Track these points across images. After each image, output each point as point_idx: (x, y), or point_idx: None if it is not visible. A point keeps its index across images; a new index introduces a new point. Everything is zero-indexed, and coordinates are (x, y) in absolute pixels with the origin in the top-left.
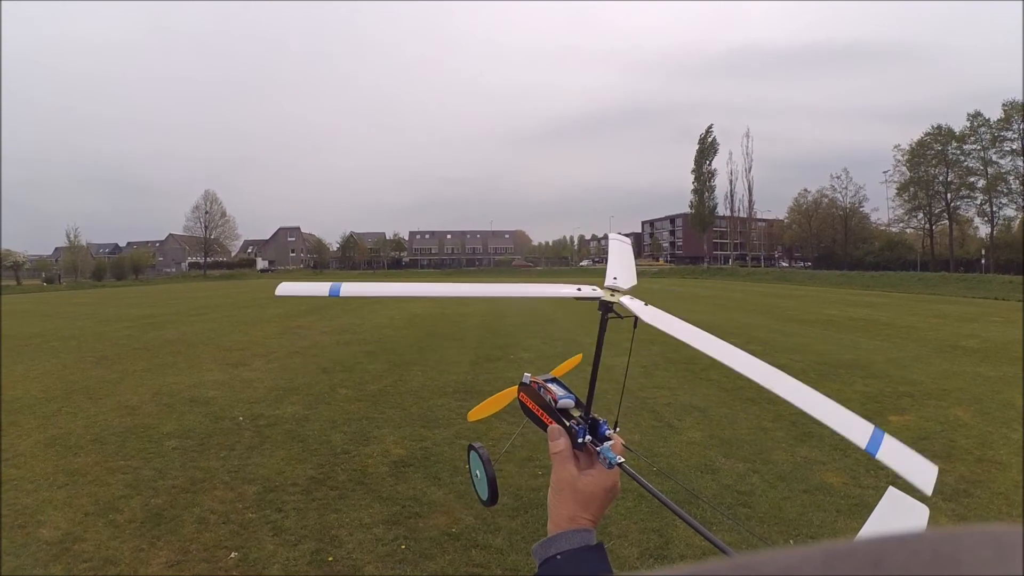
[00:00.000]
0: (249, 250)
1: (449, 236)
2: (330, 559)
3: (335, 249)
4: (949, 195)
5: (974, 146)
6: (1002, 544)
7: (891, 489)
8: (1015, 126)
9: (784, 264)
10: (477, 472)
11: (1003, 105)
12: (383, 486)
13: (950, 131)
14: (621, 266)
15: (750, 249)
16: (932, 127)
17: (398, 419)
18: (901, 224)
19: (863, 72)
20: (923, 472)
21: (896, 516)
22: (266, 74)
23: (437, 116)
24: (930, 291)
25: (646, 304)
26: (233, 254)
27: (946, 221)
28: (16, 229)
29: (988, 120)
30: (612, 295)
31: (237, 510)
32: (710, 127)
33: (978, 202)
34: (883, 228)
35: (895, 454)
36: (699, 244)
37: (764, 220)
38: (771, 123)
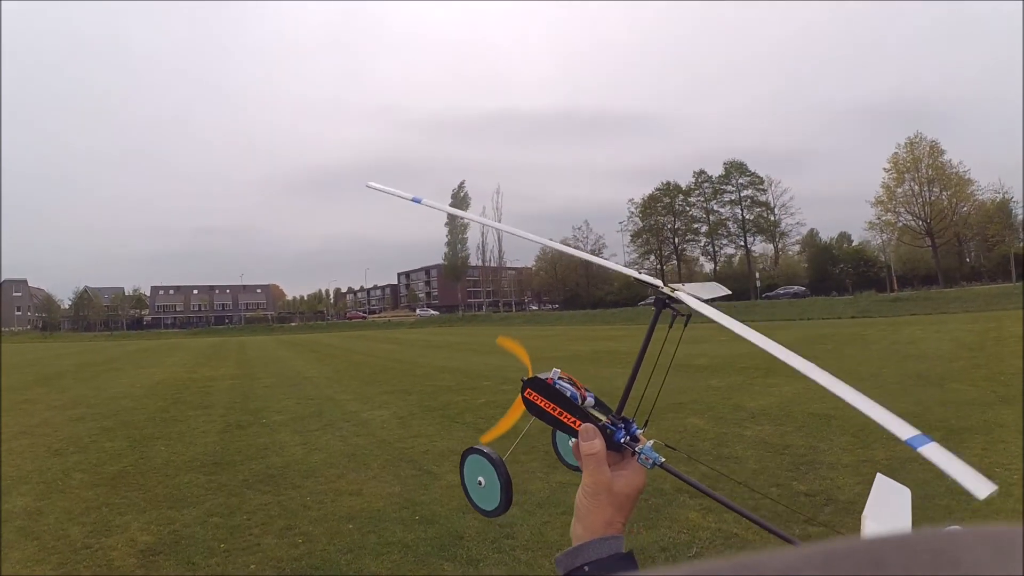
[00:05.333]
0: None
1: (196, 291)
2: None
3: (67, 306)
4: (677, 239)
5: (698, 198)
6: (1001, 544)
7: (879, 476)
8: (733, 181)
9: (534, 307)
10: (480, 479)
11: (724, 163)
12: None
13: (677, 186)
14: (698, 286)
15: (502, 296)
16: (662, 183)
17: (142, 502)
18: (636, 266)
19: (603, 137)
20: (972, 476)
21: (886, 498)
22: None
23: (186, 162)
24: (664, 322)
25: (705, 300)
26: None
27: (675, 261)
28: None
29: (711, 176)
30: (673, 291)
31: None
32: (462, 183)
33: (702, 243)
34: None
35: (942, 458)
36: (454, 293)
37: (514, 268)
38: (521, 182)
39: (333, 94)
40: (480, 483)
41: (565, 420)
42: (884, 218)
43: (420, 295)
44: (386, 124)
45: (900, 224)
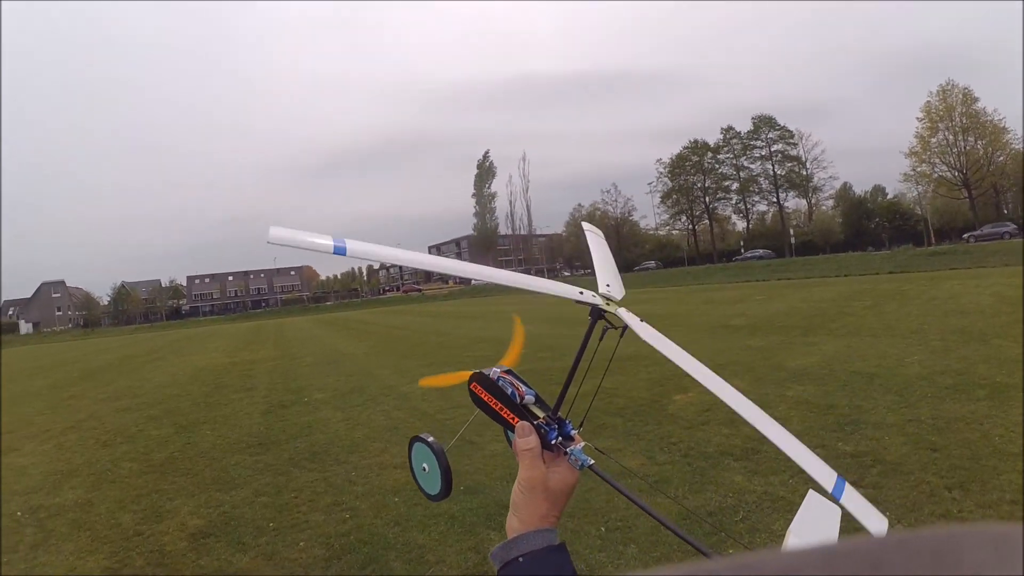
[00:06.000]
0: (10, 312)
1: (231, 278)
2: None
3: (106, 303)
4: (707, 198)
5: (728, 155)
6: (1002, 544)
7: (810, 492)
8: (762, 136)
9: (566, 273)
10: (424, 465)
11: (752, 118)
12: (184, 563)
13: (705, 144)
14: (608, 271)
15: (533, 263)
16: (689, 142)
17: (191, 487)
18: (667, 227)
19: (627, 98)
20: (876, 520)
21: (815, 515)
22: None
23: (211, 155)
24: (699, 282)
25: (641, 320)
26: None
27: (707, 220)
28: None
29: (739, 133)
30: (607, 304)
31: None
32: (487, 152)
33: (733, 201)
34: (652, 232)
35: (854, 501)
36: (485, 263)
37: (544, 235)
38: (545, 149)
39: (348, 73)
40: (424, 469)
41: (504, 415)
42: (919, 169)
43: None
44: (405, 99)
45: (935, 175)
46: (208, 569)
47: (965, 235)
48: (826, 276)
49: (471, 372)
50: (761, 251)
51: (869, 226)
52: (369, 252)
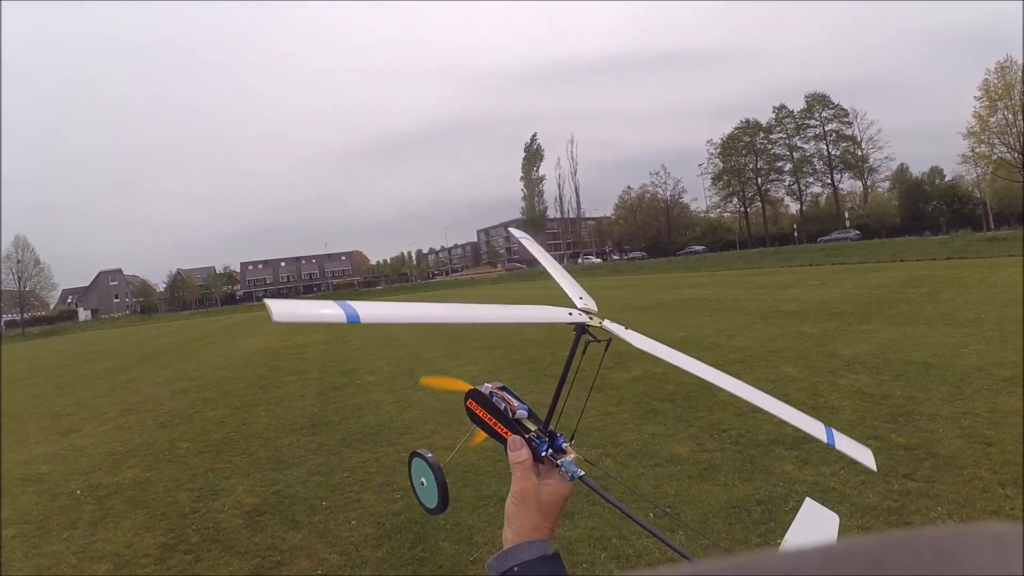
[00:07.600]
0: (69, 300)
1: (283, 264)
2: None
3: (162, 290)
4: (760, 180)
5: (780, 135)
6: (1003, 543)
7: (807, 500)
8: (816, 114)
9: (615, 257)
10: (423, 480)
11: (806, 97)
12: (239, 540)
13: (757, 123)
14: (567, 280)
15: (582, 247)
16: (741, 121)
17: (246, 466)
18: (719, 210)
19: (675, 77)
20: (865, 455)
21: (812, 522)
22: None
23: (262, 143)
24: (751, 266)
25: (627, 328)
26: (52, 306)
27: (759, 203)
28: None
29: (792, 112)
30: (592, 318)
31: None
32: (534, 135)
33: (787, 183)
34: (703, 215)
35: (845, 444)
36: (536, 244)
37: (592, 218)
38: (593, 129)
39: (399, 58)
40: (423, 483)
41: (498, 430)
42: (978, 150)
43: (500, 251)
44: (451, 84)
45: (995, 157)
46: (262, 546)
47: (819, 238)
48: (881, 261)
49: (469, 387)
50: (699, 247)
51: (926, 209)
52: (382, 316)
